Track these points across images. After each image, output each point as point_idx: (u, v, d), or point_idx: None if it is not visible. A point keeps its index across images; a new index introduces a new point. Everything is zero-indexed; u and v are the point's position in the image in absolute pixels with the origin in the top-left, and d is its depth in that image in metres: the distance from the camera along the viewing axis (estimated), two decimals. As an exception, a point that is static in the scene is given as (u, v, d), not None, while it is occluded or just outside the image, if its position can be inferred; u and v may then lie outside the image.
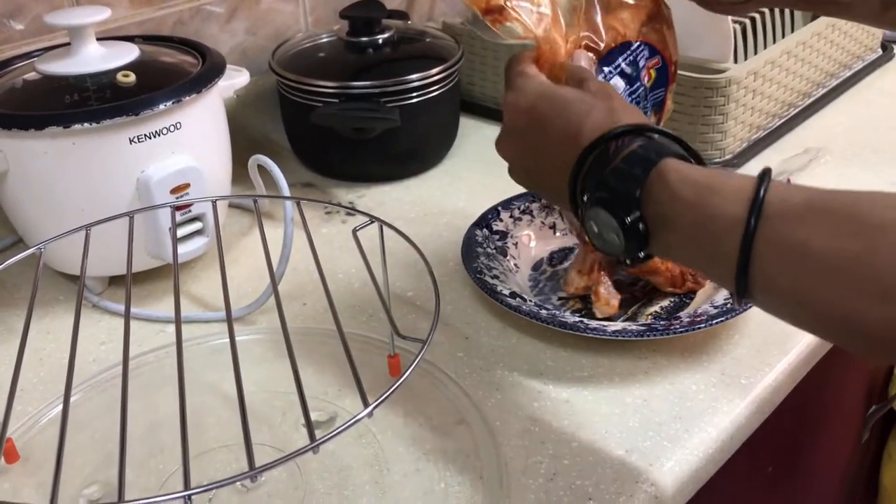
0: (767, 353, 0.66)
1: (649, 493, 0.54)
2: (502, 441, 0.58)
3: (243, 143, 0.95)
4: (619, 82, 0.66)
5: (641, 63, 0.65)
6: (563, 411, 0.61)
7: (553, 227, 0.79)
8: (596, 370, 0.64)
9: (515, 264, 0.75)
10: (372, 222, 0.56)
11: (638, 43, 0.64)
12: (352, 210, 0.64)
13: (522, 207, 0.80)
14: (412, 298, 0.74)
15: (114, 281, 0.78)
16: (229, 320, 0.50)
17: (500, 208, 0.79)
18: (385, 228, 0.57)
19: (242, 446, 0.59)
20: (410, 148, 0.94)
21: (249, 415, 0.64)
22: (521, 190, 0.81)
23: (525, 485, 0.55)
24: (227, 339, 0.71)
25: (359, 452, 0.58)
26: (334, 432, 0.38)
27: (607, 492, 0.54)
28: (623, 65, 0.66)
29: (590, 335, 0.63)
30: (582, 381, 0.63)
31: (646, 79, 0.65)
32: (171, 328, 0.72)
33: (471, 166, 0.98)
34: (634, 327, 0.64)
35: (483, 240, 0.75)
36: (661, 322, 0.65)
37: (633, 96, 0.65)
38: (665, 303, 0.70)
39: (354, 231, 0.56)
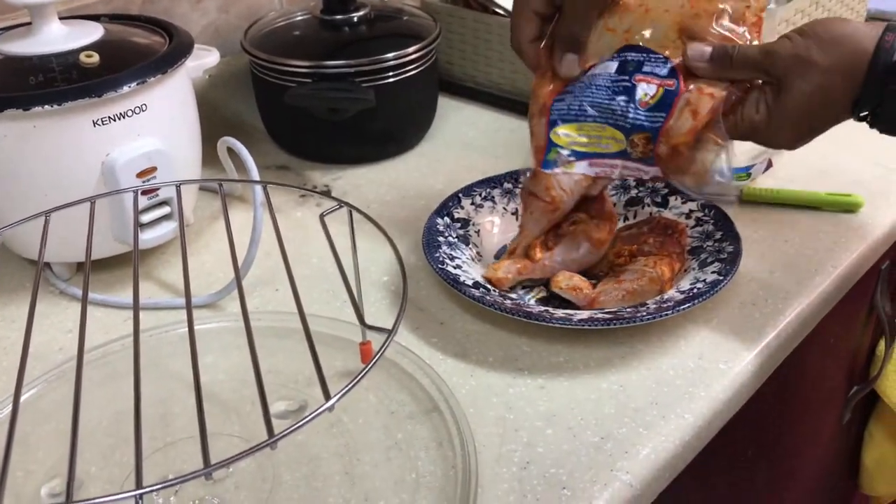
0: (746, 337, 0.65)
1: (624, 482, 0.53)
2: (476, 429, 0.57)
3: (216, 125, 0.93)
4: (610, 66, 0.64)
5: (648, 69, 0.63)
6: (537, 398, 0.60)
7: (515, 213, 0.78)
8: (572, 356, 0.63)
9: (478, 252, 0.74)
10: (340, 207, 0.55)
11: (665, 56, 0.63)
12: (318, 194, 0.62)
13: (484, 194, 0.78)
14: (387, 283, 0.73)
15: (82, 267, 0.76)
16: (189, 308, 0.48)
17: (461, 195, 0.77)
18: (355, 213, 0.56)
19: (211, 437, 0.58)
20: (387, 129, 0.92)
21: (218, 404, 0.63)
22: (493, 173, 0.80)
23: (498, 474, 0.54)
24: (198, 327, 0.71)
25: (329, 442, 0.57)
26: (291, 428, 0.37)
27: (581, 480, 0.53)
28: (630, 55, 0.64)
29: (555, 325, 0.62)
30: (557, 367, 0.62)
31: (643, 84, 0.63)
32: (140, 315, 0.70)
33: (449, 148, 0.97)
34: (600, 316, 0.62)
35: (444, 228, 0.73)
36: (628, 310, 0.64)
37: (614, 85, 0.64)
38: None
39: (322, 216, 0.54)
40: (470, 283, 0.66)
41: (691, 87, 0.62)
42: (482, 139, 0.98)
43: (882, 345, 0.99)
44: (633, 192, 0.78)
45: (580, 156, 0.66)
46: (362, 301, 0.58)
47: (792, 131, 0.62)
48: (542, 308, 0.64)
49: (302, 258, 0.77)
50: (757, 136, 0.63)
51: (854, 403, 1.00)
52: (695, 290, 0.64)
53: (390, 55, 0.88)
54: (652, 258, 0.68)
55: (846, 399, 1.00)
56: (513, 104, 1.02)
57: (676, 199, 0.76)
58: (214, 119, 0.98)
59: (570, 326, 0.61)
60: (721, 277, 0.65)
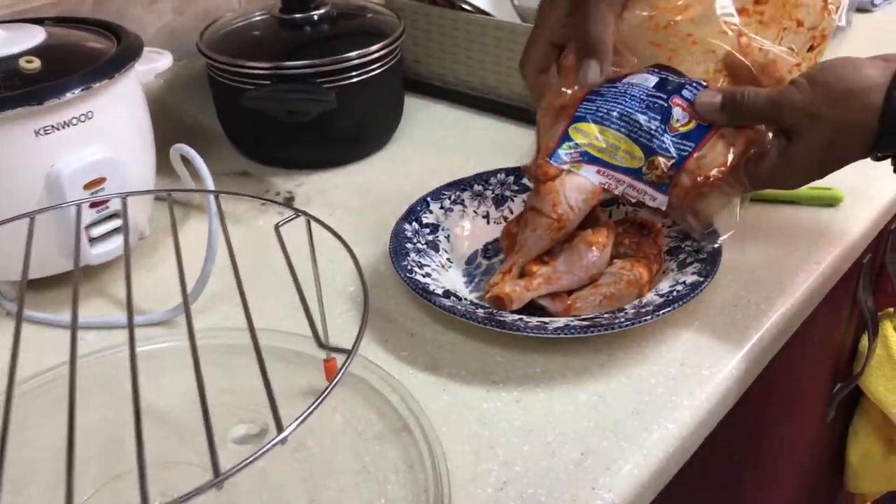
0: (729, 340, 0.62)
1: (606, 500, 0.50)
2: (449, 448, 0.54)
3: (173, 131, 0.89)
4: (649, 80, 0.62)
5: (688, 94, 0.61)
6: (514, 412, 0.57)
7: (487, 216, 0.75)
8: (548, 366, 0.60)
9: (448, 259, 0.70)
10: (297, 216, 0.51)
11: (706, 86, 0.61)
12: (277, 203, 0.58)
13: (454, 197, 0.74)
14: (354, 294, 0.69)
15: (34, 285, 0.72)
16: (130, 328, 0.45)
17: (429, 199, 0.74)
18: (314, 222, 0.52)
19: (162, 466, 0.55)
20: (351, 131, 0.89)
21: (174, 430, 0.59)
22: (463, 174, 0.77)
23: (473, 495, 0.50)
24: (154, 346, 0.67)
25: (292, 468, 0.53)
26: (237, 468, 0.34)
27: (561, 500, 0.50)
28: (672, 76, 0.62)
29: (530, 335, 0.59)
30: (534, 379, 0.59)
31: (678, 110, 0.61)
32: (91, 335, 0.67)
33: (417, 149, 0.93)
34: (576, 323, 0.59)
35: (413, 234, 0.70)
36: (605, 315, 0.61)
37: (648, 100, 0.61)
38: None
39: (277, 227, 0.51)
40: (440, 292, 0.63)
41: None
42: (451, 139, 0.95)
43: (865, 340, 0.97)
44: (608, 192, 0.75)
45: (590, 159, 0.63)
46: (325, 316, 0.55)
47: (804, 178, 0.61)
48: (516, 317, 0.61)
49: (266, 268, 0.73)
50: (773, 184, 0.61)
51: (838, 401, 0.98)
52: (674, 293, 0.61)
53: (352, 54, 0.84)
54: (629, 260, 0.65)
55: (830, 396, 0.98)
56: (482, 102, 0.99)
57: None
58: (171, 124, 0.94)
59: (545, 336, 0.58)
60: (701, 279, 0.62)
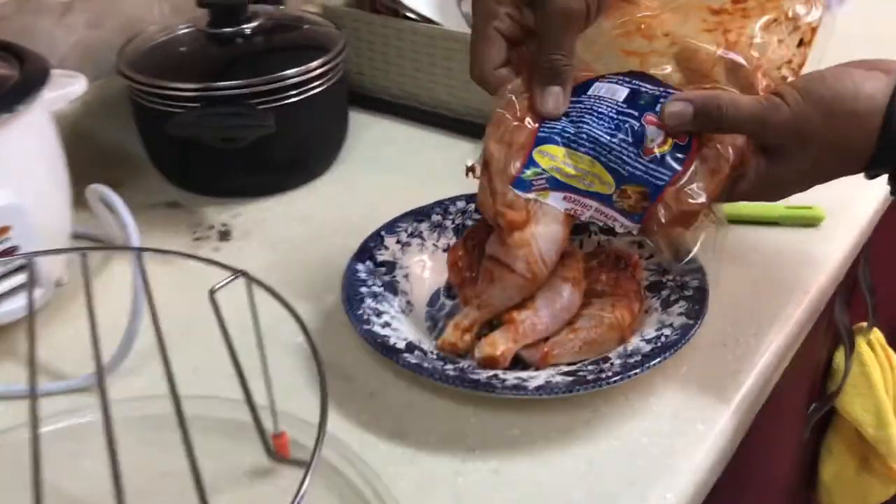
0: (721, 386, 0.57)
1: None
2: (421, 535, 0.47)
3: (93, 161, 0.80)
4: (619, 92, 0.55)
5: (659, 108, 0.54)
6: (493, 486, 0.50)
7: (447, 249, 0.67)
8: (528, 427, 0.54)
9: (408, 301, 0.63)
10: (235, 277, 0.44)
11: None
12: (207, 260, 0.50)
13: (410, 230, 0.67)
14: (304, 347, 0.61)
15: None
16: (33, 401, 0.37)
17: (383, 233, 0.66)
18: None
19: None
20: (292, 155, 0.81)
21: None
22: (417, 198, 0.70)
23: None
24: (77, 420, 0.58)
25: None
26: None
27: None
28: (645, 86, 0.55)
29: (508, 396, 0.52)
30: (513, 444, 0.53)
31: (652, 129, 0.54)
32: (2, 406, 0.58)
33: (364, 171, 0.86)
34: (559, 380, 0.53)
35: (367, 275, 0.62)
36: (589, 367, 0.54)
37: (618, 119, 0.54)
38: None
39: (212, 293, 0.43)
40: (402, 345, 0.56)
41: (709, 143, 0.53)
42: (402, 159, 0.88)
43: (839, 357, 0.93)
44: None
45: (557, 185, 0.55)
46: (274, 403, 0.47)
47: (784, 194, 0.56)
48: (490, 373, 0.54)
49: (204, 320, 0.65)
50: (749, 199, 0.56)
51: (815, 421, 0.94)
52: (663, 339, 0.55)
53: (291, 72, 0.76)
54: (608, 300, 0.59)
55: (807, 416, 0.94)
56: (433, 118, 0.92)
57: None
58: (90, 153, 0.85)
59: (525, 397, 0.52)
60: (691, 321, 0.56)
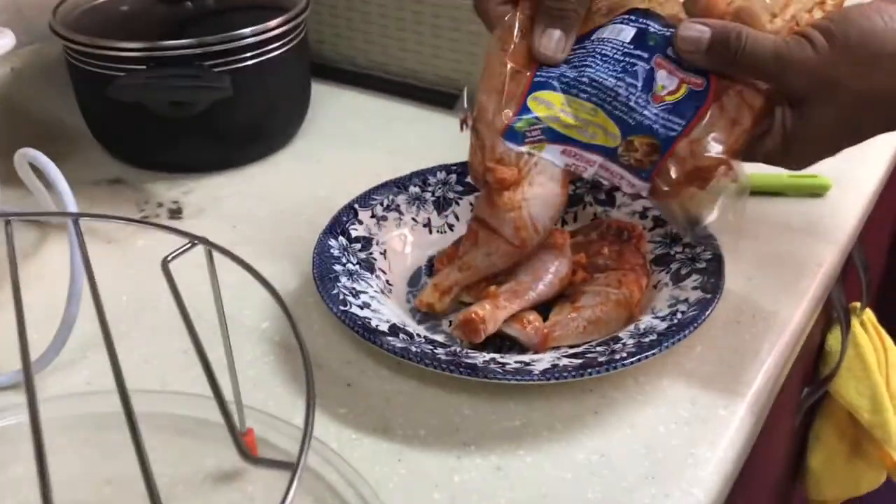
0: (741, 367, 0.51)
1: None
2: (415, 545, 0.40)
3: (26, 133, 0.72)
4: (625, 32, 0.49)
5: (674, 53, 0.48)
6: (495, 485, 0.43)
7: (428, 224, 0.61)
8: (529, 416, 0.47)
9: (388, 281, 0.56)
10: (192, 245, 0.36)
11: None
12: (154, 225, 0.42)
13: (386, 203, 0.60)
14: (269, 333, 0.54)
15: None
16: None
17: (357, 206, 0.59)
18: (216, 250, 0.37)
19: None
20: (249, 124, 0.73)
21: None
22: (389, 174, 0.63)
23: None
24: (5, 422, 0.51)
25: None
26: None
27: None
28: (653, 25, 0.48)
29: (511, 381, 0.45)
30: (514, 435, 0.46)
31: (663, 73, 0.47)
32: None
33: (330, 145, 0.79)
34: (566, 363, 0.46)
35: (341, 252, 0.56)
36: (599, 348, 0.48)
37: (625, 60, 0.48)
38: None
39: (165, 262, 0.36)
40: (385, 328, 0.49)
41: (730, 91, 0.47)
42: (370, 132, 0.81)
43: (832, 339, 0.89)
44: (571, 188, 0.63)
45: (554, 137, 0.49)
46: (239, 392, 0.40)
47: (813, 156, 0.50)
48: (487, 356, 0.47)
49: (152, 304, 0.57)
50: (773, 163, 0.50)
51: (807, 407, 0.89)
52: (679, 316, 0.49)
53: (247, 31, 0.69)
54: (613, 274, 0.53)
55: (800, 402, 0.89)
56: (402, 88, 0.85)
57: (624, 194, 0.61)
58: (23, 125, 0.77)
59: (530, 382, 0.45)
60: (707, 295, 0.50)
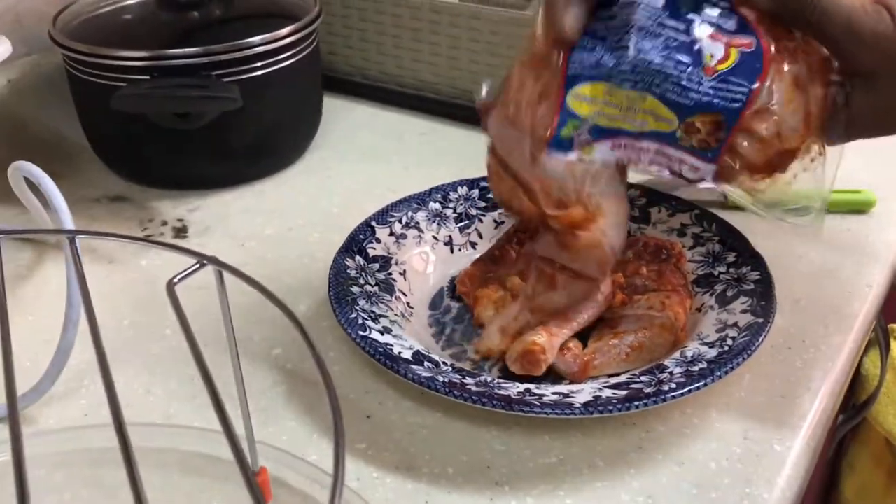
0: (794, 397, 0.47)
1: None
2: None
3: (25, 147, 0.69)
4: None
5: (711, 18, 0.42)
6: (532, 531, 0.39)
7: (449, 242, 0.57)
8: (568, 451, 0.43)
9: (408, 303, 0.52)
10: (201, 266, 0.32)
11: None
12: (164, 244, 0.38)
13: (405, 220, 0.57)
14: (281, 360, 0.50)
15: None
16: None
17: (374, 223, 0.56)
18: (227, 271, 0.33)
19: None
20: (259, 138, 0.70)
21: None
22: (406, 190, 0.60)
23: None
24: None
25: None
26: None
27: None
28: None
29: (550, 415, 0.41)
30: (551, 473, 0.42)
31: (707, 42, 0.42)
32: None
33: (342, 159, 0.75)
34: (608, 393, 0.42)
35: (358, 272, 0.52)
36: (643, 378, 0.44)
37: (666, 34, 0.42)
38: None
39: (170, 285, 0.32)
40: (408, 355, 0.45)
41: (788, 50, 0.42)
42: (384, 146, 0.77)
43: (868, 362, 0.85)
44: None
45: (601, 133, 0.43)
46: (251, 426, 0.36)
47: (881, 132, 0.44)
48: (522, 388, 0.43)
49: (158, 328, 0.53)
50: (864, 130, 0.44)
51: (843, 436, 0.85)
52: (729, 341, 0.45)
53: (257, 39, 0.65)
54: (655, 296, 0.49)
55: (834, 431, 0.85)
56: (417, 102, 0.81)
57: (660, 210, 0.57)
58: (21, 139, 0.73)
59: (571, 416, 0.41)
60: (759, 319, 0.46)
